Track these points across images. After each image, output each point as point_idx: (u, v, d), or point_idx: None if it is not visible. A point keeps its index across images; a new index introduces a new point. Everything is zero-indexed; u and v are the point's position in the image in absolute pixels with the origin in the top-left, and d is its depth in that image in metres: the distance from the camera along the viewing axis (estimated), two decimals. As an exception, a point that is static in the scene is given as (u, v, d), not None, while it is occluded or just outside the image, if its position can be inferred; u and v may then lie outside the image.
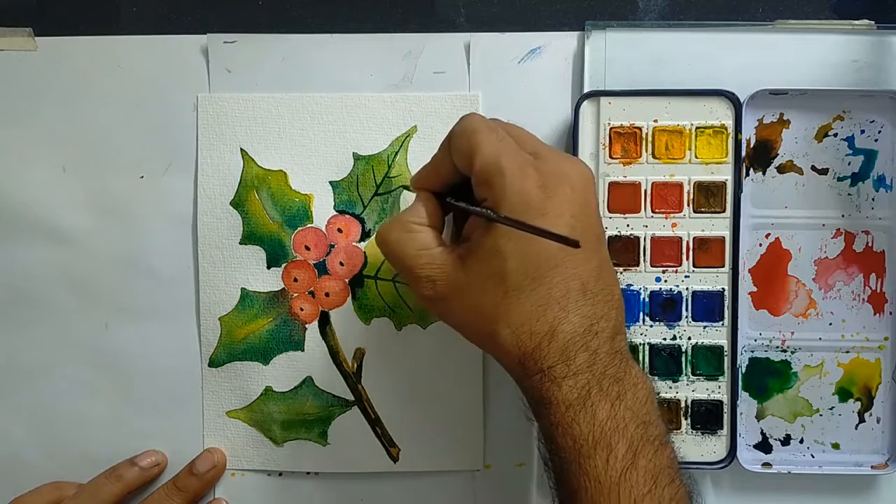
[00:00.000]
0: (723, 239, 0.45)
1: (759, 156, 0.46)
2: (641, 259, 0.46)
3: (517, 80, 0.47)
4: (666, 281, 0.46)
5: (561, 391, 0.35)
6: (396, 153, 0.47)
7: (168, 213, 0.48)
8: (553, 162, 0.37)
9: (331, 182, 0.47)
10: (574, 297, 0.36)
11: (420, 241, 0.39)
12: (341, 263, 0.47)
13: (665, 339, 0.46)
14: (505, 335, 0.37)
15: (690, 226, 0.46)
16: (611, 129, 0.45)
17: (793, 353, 0.47)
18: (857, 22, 0.47)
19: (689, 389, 0.46)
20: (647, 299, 0.46)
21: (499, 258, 0.36)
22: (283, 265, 0.47)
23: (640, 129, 0.45)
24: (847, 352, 0.47)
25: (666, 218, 0.46)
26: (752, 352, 0.47)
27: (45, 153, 0.48)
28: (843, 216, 0.47)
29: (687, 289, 0.46)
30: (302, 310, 0.47)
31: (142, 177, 0.48)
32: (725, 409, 0.46)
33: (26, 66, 0.47)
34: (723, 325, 0.46)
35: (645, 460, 0.35)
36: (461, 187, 0.40)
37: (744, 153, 0.46)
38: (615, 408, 0.35)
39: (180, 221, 0.48)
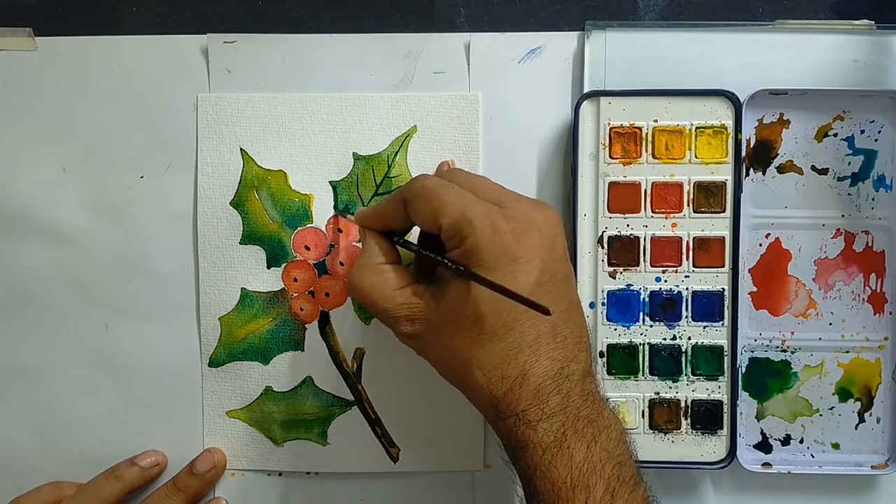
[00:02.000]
0: (723, 239, 0.45)
1: (759, 156, 0.46)
2: (641, 259, 0.46)
3: (517, 80, 0.47)
4: (666, 281, 0.46)
5: (537, 434, 0.36)
6: (396, 153, 0.47)
7: (168, 213, 0.48)
8: (520, 209, 0.38)
9: (331, 182, 0.47)
10: (545, 340, 0.37)
11: (393, 281, 0.39)
12: (341, 263, 0.47)
13: (665, 339, 0.46)
14: (477, 377, 0.37)
15: (690, 226, 0.46)
16: (611, 129, 0.45)
17: (793, 353, 0.47)
18: (857, 22, 0.47)
19: (689, 389, 0.46)
20: (647, 299, 0.46)
21: (473, 303, 0.37)
22: (283, 265, 0.47)
23: (640, 129, 0.45)
24: (847, 352, 0.47)
25: (666, 218, 0.46)
26: (752, 352, 0.47)
27: (45, 153, 0.48)
28: (843, 216, 0.47)
29: (687, 289, 0.46)
30: (302, 310, 0.47)
31: (142, 177, 0.48)
32: (725, 409, 0.46)
33: (26, 66, 0.47)
34: (723, 325, 0.46)
35: (622, 500, 0.36)
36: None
37: (744, 153, 0.46)
38: (591, 449, 0.36)
39: (180, 221, 0.48)
